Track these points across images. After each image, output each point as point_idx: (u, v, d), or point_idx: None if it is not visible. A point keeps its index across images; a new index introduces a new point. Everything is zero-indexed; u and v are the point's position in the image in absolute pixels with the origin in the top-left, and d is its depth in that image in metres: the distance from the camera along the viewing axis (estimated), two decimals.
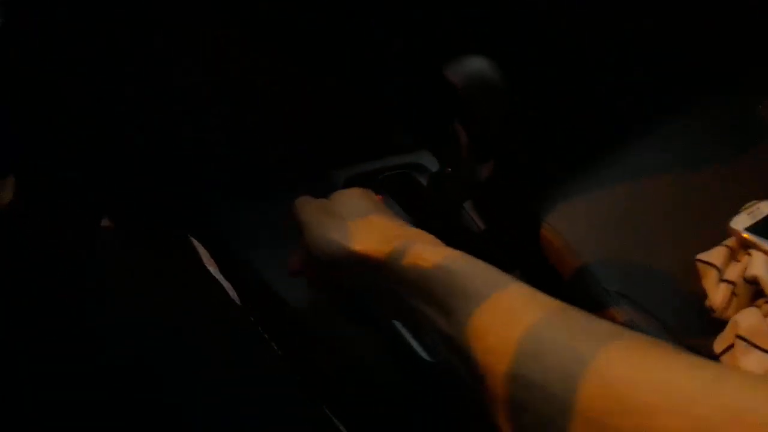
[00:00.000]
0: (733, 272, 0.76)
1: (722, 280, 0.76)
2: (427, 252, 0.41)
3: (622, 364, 0.28)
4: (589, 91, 1.07)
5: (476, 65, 0.53)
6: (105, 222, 0.58)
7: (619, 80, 1.07)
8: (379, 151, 0.79)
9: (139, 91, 0.66)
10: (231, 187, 0.71)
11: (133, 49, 0.63)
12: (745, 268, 0.76)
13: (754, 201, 0.83)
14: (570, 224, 0.82)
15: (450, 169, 0.61)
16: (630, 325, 0.75)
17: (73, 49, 0.54)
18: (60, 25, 0.51)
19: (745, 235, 0.78)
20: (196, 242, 0.66)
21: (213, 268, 0.64)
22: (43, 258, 0.53)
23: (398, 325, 0.62)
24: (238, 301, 0.63)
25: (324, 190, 0.75)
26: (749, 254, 0.77)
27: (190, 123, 0.68)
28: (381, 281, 0.45)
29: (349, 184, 0.77)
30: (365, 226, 0.48)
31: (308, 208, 0.53)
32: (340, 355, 0.61)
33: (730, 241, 0.79)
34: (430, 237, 0.47)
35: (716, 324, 0.73)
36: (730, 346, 0.70)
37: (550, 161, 0.92)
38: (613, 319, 0.75)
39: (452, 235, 0.76)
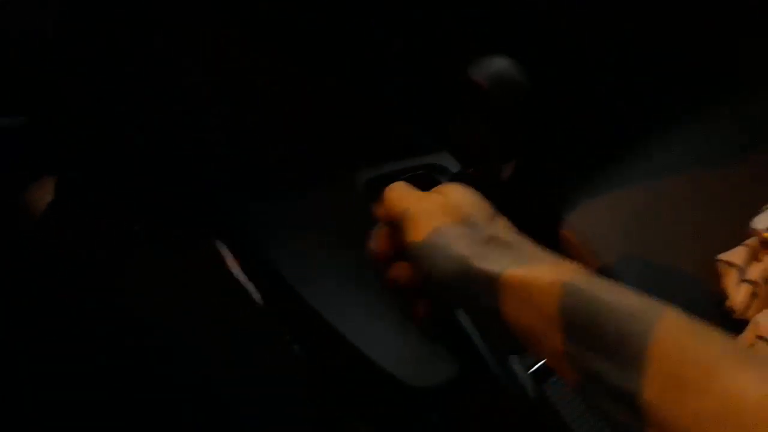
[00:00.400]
0: (754, 272, 0.76)
1: (743, 281, 0.75)
2: (601, 288, 0.33)
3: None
4: (608, 92, 1.06)
5: (502, 65, 0.53)
6: (136, 227, 0.59)
7: (637, 80, 1.06)
8: (398, 152, 0.79)
9: (160, 96, 0.67)
10: (252, 188, 0.72)
11: (147, 54, 0.64)
12: (767, 268, 0.75)
13: None
14: (590, 224, 0.82)
15: (472, 170, 0.61)
16: None
17: (102, 53, 0.55)
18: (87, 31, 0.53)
19: (767, 234, 0.78)
20: (220, 245, 0.67)
21: (236, 270, 0.66)
22: (82, 259, 0.54)
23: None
24: (260, 302, 0.64)
25: (344, 190, 0.77)
26: None
27: (213, 128, 0.69)
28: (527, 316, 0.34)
29: (369, 185, 0.77)
30: (501, 246, 0.38)
31: (415, 199, 0.44)
32: (359, 358, 0.62)
33: (752, 241, 0.79)
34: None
35: (737, 325, 0.73)
36: (751, 347, 0.70)
37: (568, 161, 0.92)
38: None
39: None
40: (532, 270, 0.34)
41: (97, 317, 0.53)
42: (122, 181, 0.63)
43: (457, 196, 0.43)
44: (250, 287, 0.65)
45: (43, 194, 0.46)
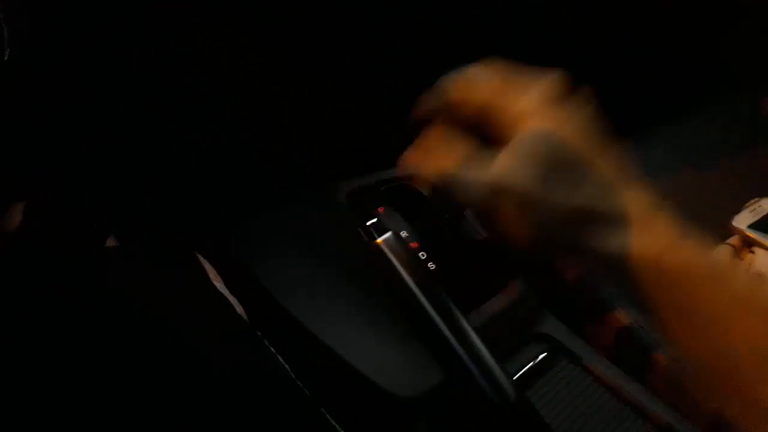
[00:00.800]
0: None
1: None
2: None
3: None
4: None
5: None
6: (110, 241, 0.59)
7: (620, 80, 1.07)
8: (381, 160, 0.80)
9: (141, 100, 0.67)
10: (235, 200, 0.72)
11: (128, 62, 0.63)
12: (749, 266, 0.76)
13: (757, 198, 0.83)
14: None
15: None
16: (634, 327, 0.76)
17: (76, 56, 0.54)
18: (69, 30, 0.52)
19: (748, 232, 0.79)
20: (201, 258, 0.67)
21: (219, 284, 0.66)
22: (54, 279, 0.54)
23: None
24: (244, 316, 0.64)
25: (326, 201, 0.77)
26: (752, 252, 0.78)
27: (192, 135, 0.69)
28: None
29: (351, 195, 0.78)
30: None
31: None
32: (343, 368, 0.62)
33: (733, 240, 0.80)
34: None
35: None
36: None
37: None
38: (617, 322, 0.76)
39: (454, 243, 0.77)
40: None
41: (74, 334, 0.53)
42: (102, 193, 0.64)
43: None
44: (233, 301, 0.65)
45: (13, 218, 0.46)
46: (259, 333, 0.63)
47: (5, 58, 0.34)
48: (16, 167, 0.45)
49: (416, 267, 0.64)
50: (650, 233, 0.38)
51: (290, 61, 0.73)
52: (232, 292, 0.66)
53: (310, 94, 0.76)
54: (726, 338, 0.34)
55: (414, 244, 0.76)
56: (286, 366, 0.62)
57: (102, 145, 0.60)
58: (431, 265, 0.75)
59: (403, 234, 0.76)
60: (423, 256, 0.75)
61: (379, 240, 0.62)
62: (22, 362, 0.48)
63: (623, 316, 0.76)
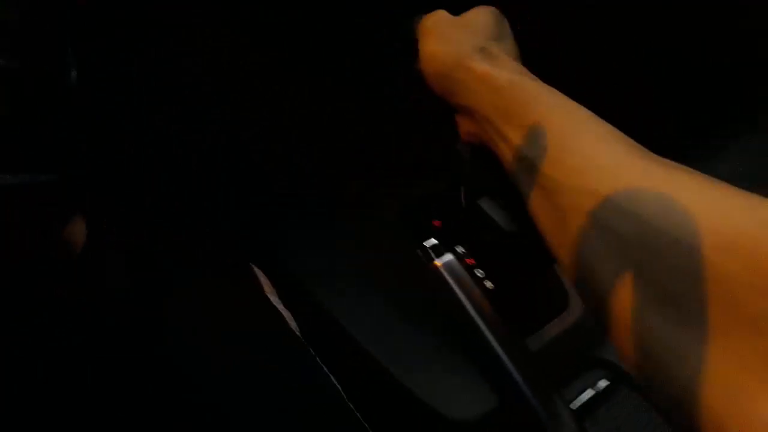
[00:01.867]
0: None
1: None
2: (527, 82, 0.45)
3: None
4: (658, 104, 1.02)
5: None
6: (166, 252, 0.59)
7: (677, 100, 1.01)
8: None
9: (197, 123, 0.67)
10: (294, 215, 0.72)
11: (183, 83, 0.63)
12: None
13: None
14: None
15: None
16: None
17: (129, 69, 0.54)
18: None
19: None
20: (257, 270, 0.67)
21: (274, 297, 0.65)
22: (119, 294, 0.55)
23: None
24: (297, 331, 0.63)
25: (379, 214, 0.76)
26: None
27: (253, 152, 0.69)
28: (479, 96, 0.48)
29: (404, 209, 0.76)
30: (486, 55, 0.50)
31: (437, 18, 0.56)
32: (398, 391, 0.61)
33: None
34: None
35: None
36: None
37: None
38: None
39: (505, 252, 0.75)
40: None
41: (165, 344, 0.53)
42: (160, 207, 0.64)
43: (472, 18, 0.55)
44: (287, 315, 0.65)
45: (77, 234, 0.46)
46: (311, 350, 0.62)
47: (73, 80, 0.34)
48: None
49: (475, 288, 0.61)
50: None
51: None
52: (286, 306, 0.65)
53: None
54: None
55: (470, 261, 0.73)
56: (337, 385, 0.61)
57: (162, 164, 0.61)
58: (489, 284, 0.73)
59: (459, 250, 0.74)
60: (480, 274, 0.73)
61: (437, 262, 0.61)
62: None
63: None
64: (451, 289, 0.60)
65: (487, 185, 0.79)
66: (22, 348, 0.48)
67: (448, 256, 0.62)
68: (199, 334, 0.59)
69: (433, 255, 0.61)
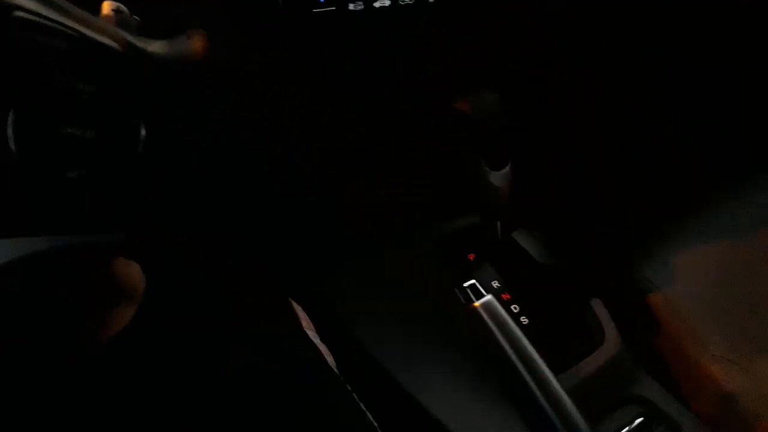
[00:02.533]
0: None
1: None
2: None
3: None
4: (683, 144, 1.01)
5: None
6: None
7: (715, 132, 1.01)
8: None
9: (238, 162, 0.67)
10: (333, 250, 0.72)
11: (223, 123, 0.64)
12: None
13: None
14: (670, 281, 0.78)
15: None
16: (738, 394, 0.71)
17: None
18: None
19: None
20: (296, 305, 0.67)
21: (312, 332, 0.66)
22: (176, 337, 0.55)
23: None
24: (335, 368, 0.64)
25: (416, 248, 0.76)
26: None
27: (290, 186, 0.70)
28: None
29: (439, 243, 0.77)
30: None
31: None
32: (435, 429, 0.61)
33: None
34: None
35: None
36: None
37: (644, 210, 0.88)
38: (720, 387, 0.71)
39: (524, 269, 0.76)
40: None
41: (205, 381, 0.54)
42: (223, 247, 0.65)
43: None
44: (324, 350, 0.65)
45: (138, 283, 0.48)
46: (348, 386, 0.62)
47: (141, 147, 0.35)
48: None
49: (514, 330, 0.62)
50: None
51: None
52: (323, 341, 0.66)
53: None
54: None
55: (506, 296, 0.74)
56: (374, 422, 0.61)
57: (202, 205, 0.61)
58: (524, 320, 0.73)
59: (495, 284, 0.75)
60: (515, 309, 0.73)
61: (476, 304, 0.61)
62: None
63: (727, 381, 0.71)
64: (490, 330, 0.60)
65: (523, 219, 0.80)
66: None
67: (487, 297, 0.62)
68: (239, 369, 0.60)
69: (472, 296, 0.61)
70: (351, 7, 0.58)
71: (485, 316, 0.60)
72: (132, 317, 0.45)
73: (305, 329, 0.67)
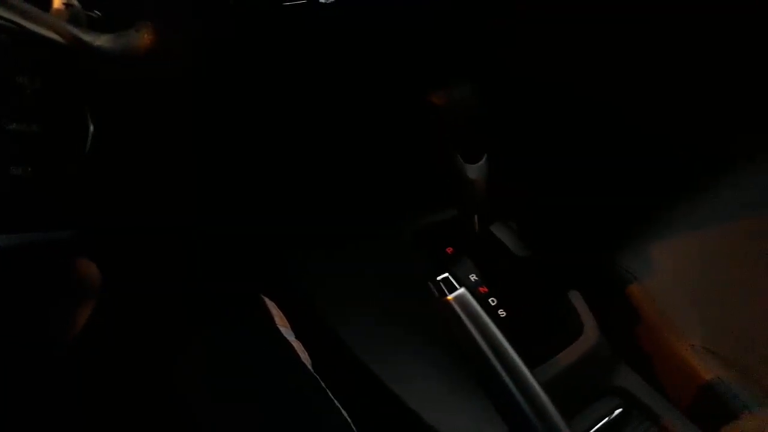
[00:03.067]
0: None
1: None
2: None
3: None
4: (662, 138, 1.01)
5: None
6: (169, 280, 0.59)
7: (691, 124, 1.00)
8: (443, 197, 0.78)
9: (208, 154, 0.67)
10: (305, 244, 0.71)
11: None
12: None
13: None
14: (648, 271, 0.78)
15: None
16: (717, 384, 0.71)
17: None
18: None
19: None
20: (268, 302, 0.67)
21: (285, 329, 0.65)
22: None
23: None
24: (309, 364, 0.63)
25: (393, 241, 0.76)
26: None
27: (262, 179, 0.69)
28: None
29: (416, 237, 0.76)
30: None
31: None
32: (410, 421, 0.61)
33: None
34: None
35: None
36: None
37: (621, 201, 0.88)
38: (698, 377, 0.71)
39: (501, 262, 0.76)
40: None
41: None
42: (193, 240, 0.64)
43: None
44: (298, 346, 0.65)
45: (93, 280, 0.47)
46: (322, 384, 0.62)
47: (89, 142, 0.34)
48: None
49: (487, 324, 0.61)
50: None
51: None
52: (297, 337, 0.65)
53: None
54: None
55: (483, 289, 0.73)
56: (348, 419, 0.61)
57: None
58: (501, 312, 0.72)
59: (472, 278, 0.74)
60: (493, 302, 0.73)
61: (449, 297, 0.60)
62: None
63: (705, 371, 0.71)
64: (463, 323, 0.59)
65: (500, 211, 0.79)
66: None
67: (460, 291, 0.62)
68: (210, 366, 0.59)
69: (445, 289, 0.61)
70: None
71: (458, 309, 0.60)
72: (88, 316, 0.45)
73: (278, 326, 0.66)
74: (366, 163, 0.74)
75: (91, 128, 0.34)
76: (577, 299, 0.77)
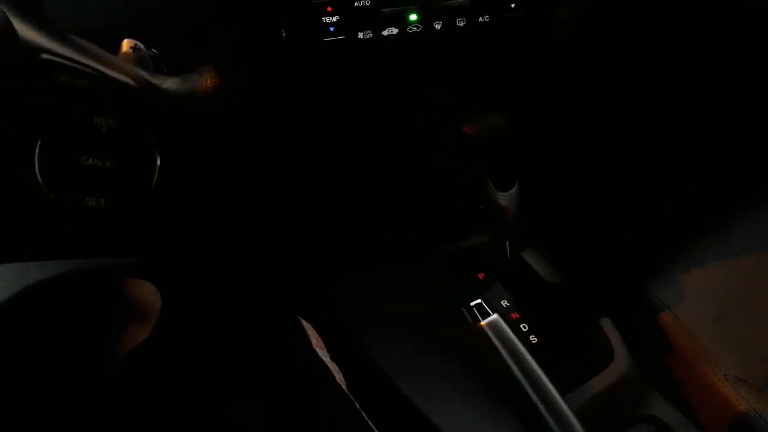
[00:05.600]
0: None
1: None
2: None
3: None
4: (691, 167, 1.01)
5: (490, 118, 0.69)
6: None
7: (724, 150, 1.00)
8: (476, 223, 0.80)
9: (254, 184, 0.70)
10: (342, 267, 0.74)
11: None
12: None
13: None
14: (680, 299, 0.78)
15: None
16: (751, 414, 0.70)
17: None
18: None
19: None
20: (305, 323, 0.69)
21: (321, 351, 0.67)
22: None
23: None
24: (344, 385, 0.65)
25: (423, 267, 0.78)
26: None
27: (301, 206, 0.72)
28: None
29: (449, 262, 0.78)
30: None
31: None
32: None
33: None
34: None
35: None
36: None
37: (653, 230, 0.88)
38: (731, 407, 0.71)
39: (533, 288, 0.77)
40: None
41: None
42: (234, 262, 0.67)
43: None
44: (334, 368, 0.67)
45: (155, 303, 0.50)
46: (357, 404, 0.64)
47: (156, 176, 0.37)
48: None
49: (520, 350, 0.62)
50: None
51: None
52: (333, 359, 0.67)
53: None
54: None
55: (515, 315, 0.75)
56: None
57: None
58: (533, 338, 0.73)
59: (504, 304, 0.75)
60: (524, 328, 0.74)
61: (483, 323, 0.62)
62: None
63: (739, 402, 0.71)
64: (497, 349, 0.61)
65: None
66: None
67: (493, 317, 0.63)
68: (249, 385, 0.62)
69: (478, 315, 0.62)
70: (360, 36, 0.60)
71: (491, 335, 0.61)
72: (148, 334, 0.47)
73: (315, 347, 0.68)
74: (400, 190, 0.76)
75: (158, 161, 0.37)
76: (608, 326, 0.77)
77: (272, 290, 0.71)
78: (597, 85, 0.92)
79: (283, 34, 0.48)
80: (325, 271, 0.74)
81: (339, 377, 0.67)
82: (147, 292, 0.49)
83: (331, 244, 0.74)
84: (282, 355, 0.66)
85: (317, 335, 0.69)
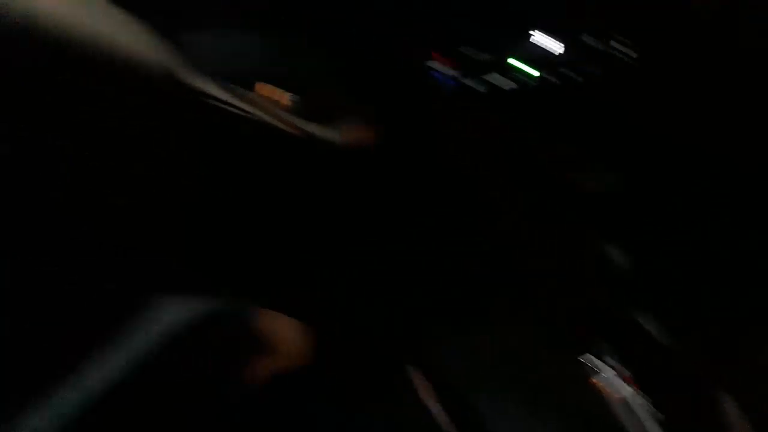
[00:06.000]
0: None
1: None
2: None
3: None
4: None
5: None
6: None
7: None
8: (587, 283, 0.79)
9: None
10: (455, 320, 0.74)
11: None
12: None
13: None
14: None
15: None
16: None
17: None
18: None
19: None
20: (414, 373, 0.69)
21: (431, 401, 0.67)
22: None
23: None
24: None
25: (538, 322, 0.77)
26: None
27: (412, 261, 0.74)
28: None
29: (567, 316, 0.77)
30: None
31: None
32: None
33: None
34: None
35: None
36: None
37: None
38: None
39: (670, 374, 0.73)
40: None
41: None
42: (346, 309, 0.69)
43: None
44: (443, 419, 0.66)
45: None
46: None
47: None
48: None
49: (634, 404, 0.60)
50: None
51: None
52: (444, 410, 0.67)
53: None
54: None
55: (627, 378, 0.72)
56: None
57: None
58: (646, 400, 0.70)
59: (616, 362, 0.73)
60: (638, 388, 0.71)
61: (596, 380, 0.60)
62: None
63: None
64: (609, 407, 0.59)
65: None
66: None
67: (607, 374, 0.62)
68: None
69: (591, 372, 0.61)
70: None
71: (604, 392, 0.59)
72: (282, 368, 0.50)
73: (424, 398, 0.68)
74: (512, 245, 0.77)
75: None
76: (728, 402, 0.73)
77: (380, 340, 0.73)
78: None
79: None
80: (434, 322, 0.75)
81: (450, 429, 0.66)
82: (278, 327, 0.52)
83: (442, 297, 0.75)
84: (392, 404, 0.67)
85: (427, 385, 0.70)
